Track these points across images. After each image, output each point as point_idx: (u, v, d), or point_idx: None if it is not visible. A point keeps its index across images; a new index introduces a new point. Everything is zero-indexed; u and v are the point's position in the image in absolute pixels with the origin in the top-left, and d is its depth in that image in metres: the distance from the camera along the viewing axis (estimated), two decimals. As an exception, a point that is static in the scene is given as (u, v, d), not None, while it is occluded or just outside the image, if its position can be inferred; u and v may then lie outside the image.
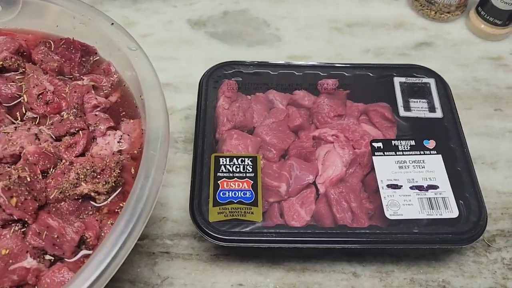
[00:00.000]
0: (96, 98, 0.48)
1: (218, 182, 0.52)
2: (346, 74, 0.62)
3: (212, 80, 0.61)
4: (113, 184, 0.43)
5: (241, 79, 0.62)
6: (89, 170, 0.43)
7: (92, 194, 0.43)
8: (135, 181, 0.40)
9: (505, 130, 0.67)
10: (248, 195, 0.51)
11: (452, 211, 0.51)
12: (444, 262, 0.55)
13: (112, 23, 0.50)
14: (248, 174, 0.53)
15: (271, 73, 0.62)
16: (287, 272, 0.55)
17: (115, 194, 0.44)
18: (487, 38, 0.76)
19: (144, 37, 0.75)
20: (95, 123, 0.46)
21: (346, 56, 0.74)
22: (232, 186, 0.52)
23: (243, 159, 0.54)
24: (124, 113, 0.50)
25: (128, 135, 0.47)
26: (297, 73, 0.62)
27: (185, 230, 0.57)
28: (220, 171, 0.53)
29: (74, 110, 0.46)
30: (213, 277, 0.54)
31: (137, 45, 0.48)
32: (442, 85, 0.61)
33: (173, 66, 0.72)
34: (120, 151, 0.46)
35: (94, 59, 0.53)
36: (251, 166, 0.53)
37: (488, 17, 0.74)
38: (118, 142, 0.46)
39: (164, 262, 0.55)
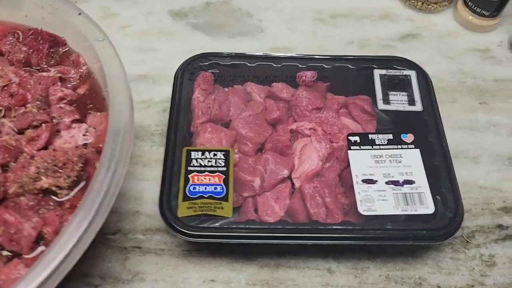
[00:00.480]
0: (62, 90, 0.47)
1: (189, 176, 0.51)
2: (326, 66, 0.61)
3: (187, 72, 0.59)
4: (75, 178, 0.42)
5: (218, 71, 0.61)
6: (50, 164, 0.42)
7: (53, 188, 0.42)
8: (93, 175, 0.38)
9: (489, 123, 0.65)
10: (219, 190, 0.50)
11: (427, 207, 0.50)
12: (421, 259, 0.54)
13: (80, 13, 0.48)
14: (220, 168, 0.52)
15: (249, 65, 0.61)
16: (260, 268, 0.54)
17: (77, 188, 0.43)
18: (474, 30, 0.74)
19: (124, 28, 0.74)
20: (60, 116, 0.45)
21: (329, 48, 0.72)
22: (203, 181, 0.51)
23: (216, 153, 0.53)
24: (91, 105, 0.48)
25: (95, 128, 0.46)
26: (275, 65, 0.61)
27: (158, 225, 0.56)
28: (191, 165, 0.52)
29: (38, 102, 0.45)
30: (184, 272, 0.53)
31: (104, 35, 0.47)
32: (423, 77, 0.60)
33: (152, 57, 0.71)
34: (85, 145, 0.45)
35: (64, 50, 0.52)
36: (223, 160, 0.52)
37: (475, 8, 0.72)
38: (83, 135, 0.45)
39: (135, 257, 0.54)
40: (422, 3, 0.76)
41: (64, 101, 0.47)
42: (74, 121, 0.46)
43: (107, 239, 0.55)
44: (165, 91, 0.67)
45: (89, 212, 0.37)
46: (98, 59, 0.46)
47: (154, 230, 0.56)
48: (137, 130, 0.63)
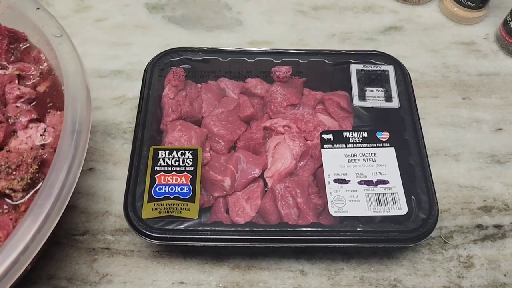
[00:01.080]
0: (19, 89, 0.45)
1: (155, 176, 0.49)
2: (301, 61, 0.59)
3: (157, 68, 0.57)
4: (29, 180, 0.41)
5: (190, 67, 0.59)
6: (3, 166, 0.40)
7: (7, 191, 0.40)
8: (44, 179, 0.37)
9: (472, 120, 0.63)
10: (185, 190, 0.49)
11: (400, 208, 0.48)
12: (397, 260, 0.53)
13: (38, 8, 0.46)
14: (187, 168, 0.50)
15: (222, 60, 0.59)
16: (231, 269, 0.52)
17: (34, 191, 0.42)
18: (460, 22, 0.72)
19: (98, 21, 0.72)
20: (16, 116, 0.44)
21: (309, 41, 0.70)
22: (169, 181, 0.49)
23: (184, 152, 0.51)
24: (51, 104, 0.47)
25: (53, 127, 0.44)
26: (249, 60, 0.59)
27: (128, 226, 0.54)
28: (158, 164, 0.50)
29: (-7, 101, 0.44)
30: (153, 274, 0.52)
31: (62, 31, 0.45)
32: (402, 72, 0.58)
33: (126, 52, 0.69)
34: (43, 145, 0.44)
35: (25, 46, 0.50)
36: (191, 160, 0.51)
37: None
38: (41, 135, 0.43)
39: (104, 259, 0.52)
40: (407, -5, 0.73)
41: (22, 100, 0.45)
42: (31, 120, 0.44)
43: (74, 240, 0.53)
44: (139, 87, 0.65)
45: (39, 216, 0.36)
46: (55, 55, 0.44)
47: (124, 231, 0.55)
48: (109, 127, 0.62)
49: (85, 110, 0.41)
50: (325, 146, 0.52)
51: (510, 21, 0.66)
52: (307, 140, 0.55)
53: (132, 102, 0.64)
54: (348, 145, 0.52)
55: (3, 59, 0.48)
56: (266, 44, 0.70)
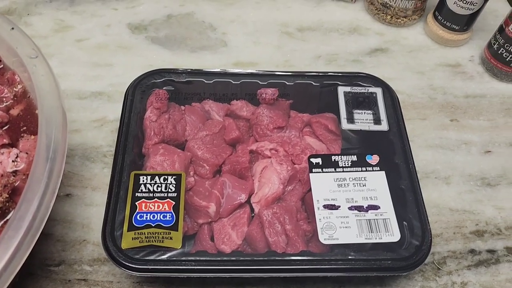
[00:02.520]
0: (-9, 112, 0.42)
1: (136, 203, 0.47)
2: (287, 83, 0.57)
3: (139, 90, 0.55)
4: (-1, 210, 0.38)
5: (173, 89, 0.57)
6: (-30, 195, 0.37)
7: (-26, 222, 0.38)
8: (14, 210, 0.34)
9: (461, 142, 0.62)
10: (168, 218, 0.46)
11: (393, 234, 0.46)
12: (389, 287, 0.51)
13: (13, 28, 0.44)
14: (170, 194, 0.48)
15: (206, 82, 0.57)
16: (216, 301, 0.50)
17: (3, 221, 0.39)
18: (445, 44, 0.72)
19: (79, 41, 0.70)
20: (-14, 141, 0.41)
21: (295, 63, 0.69)
22: (151, 208, 0.47)
23: (166, 177, 0.49)
24: (25, 128, 0.44)
25: (27, 153, 0.42)
26: (234, 82, 0.57)
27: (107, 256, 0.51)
28: (140, 191, 0.48)
29: (-39, 126, 0.41)
30: (133, 308, 0.49)
31: (38, 52, 0.43)
32: (390, 95, 0.57)
33: (108, 73, 0.67)
34: (15, 172, 0.41)
35: (-2, 67, 0.48)
36: (174, 185, 0.48)
37: (445, 22, 0.70)
38: (13, 161, 0.41)
39: (80, 292, 0.49)
40: (391, 17, 0.73)
41: (-7, 124, 0.42)
42: (3, 145, 0.42)
43: (49, 271, 0.50)
44: (120, 109, 0.63)
45: (8, 249, 0.33)
46: (30, 77, 0.42)
47: (102, 261, 0.51)
48: (88, 151, 0.59)
49: (61, 135, 0.39)
50: (313, 170, 0.51)
51: (494, 44, 0.67)
52: (294, 164, 0.54)
53: (113, 125, 0.62)
54: (337, 169, 0.51)
55: (-25, 81, 0.46)
56: (251, 66, 0.68)
